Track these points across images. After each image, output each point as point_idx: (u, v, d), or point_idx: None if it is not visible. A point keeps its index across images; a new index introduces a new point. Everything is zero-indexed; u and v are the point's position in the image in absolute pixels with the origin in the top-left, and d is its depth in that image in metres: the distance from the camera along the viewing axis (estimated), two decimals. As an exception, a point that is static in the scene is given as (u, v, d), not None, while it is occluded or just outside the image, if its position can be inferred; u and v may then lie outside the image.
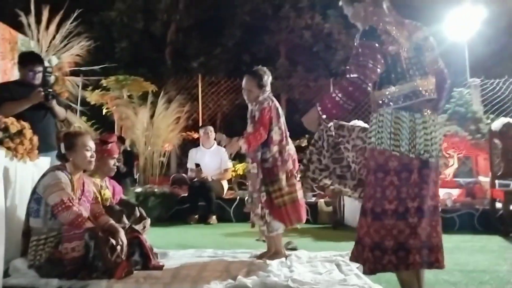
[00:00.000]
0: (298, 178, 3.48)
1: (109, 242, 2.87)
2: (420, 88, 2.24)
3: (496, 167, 5.06)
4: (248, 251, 3.66)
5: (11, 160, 3.15)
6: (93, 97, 7.13)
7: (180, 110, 7.01)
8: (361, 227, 2.28)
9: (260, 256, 3.47)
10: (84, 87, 6.74)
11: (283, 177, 3.36)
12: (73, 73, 6.07)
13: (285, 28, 10.80)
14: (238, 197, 5.78)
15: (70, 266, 2.78)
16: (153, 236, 3.35)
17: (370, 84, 2.21)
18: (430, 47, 2.36)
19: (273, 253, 3.44)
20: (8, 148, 3.14)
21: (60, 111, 4.30)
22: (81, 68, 6.08)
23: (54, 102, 4.18)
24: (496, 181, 5.05)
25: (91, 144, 3.17)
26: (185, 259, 3.45)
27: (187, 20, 11.48)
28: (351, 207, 4.97)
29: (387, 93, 2.25)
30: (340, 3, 2.46)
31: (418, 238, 2.20)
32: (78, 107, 6.31)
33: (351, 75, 2.21)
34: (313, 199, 5.95)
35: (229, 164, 5.91)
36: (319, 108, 2.24)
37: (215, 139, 5.91)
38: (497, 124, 5.18)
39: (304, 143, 7.27)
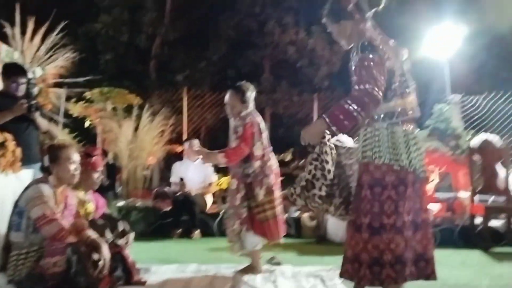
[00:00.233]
0: (280, 193, 3.53)
1: (92, 257, 2.84)
2: (409, 106, 2.31)
3: (476, 183, 5.15)
4: (232, 266, 3.65)
5: (-7, 173, 3.11)
6: (76, 109, 7.06)
7: (165, 123, 6.99)
8: (356, 244, 2.24)
9: (242, 271, 3.46)
10: (68, 99, 6.68)
11: (262, 191, 3.39)
12: (57, 85, 6.02)
13: (270, 43, 10.92)
14: (221, 212, 5.76)
15: (52, 282, 2.74)
16: (135, 250, 3.32)
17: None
18: (410, 66, 2.44)
19: (249, 268, 3.45)
20: (-10, 160, 3.09)
21: (42, 123, 4.27)
22: (65, 80, 6.03)
23: (37, 114, 4.15)
24: (476, 197, 5.15)
25: (76, 157, 3.15)
26: (168, 275, 3.43)
27: (172, 33, 11.52)
28: (335, 222, 5.00)
29: (383, 108, 2.28)
30: (324, 20, 2.47)
31: (413, 250, 2.26)
32: (61, 119, 6.24)
33: (365, 86, 2.18)
34: (297, 213, 5.97)
35: (213, 178, 5.90)
36: (327, 120, 2.23)
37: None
38: (477, 140, 5.29)
39: (288, 157, 7.33)
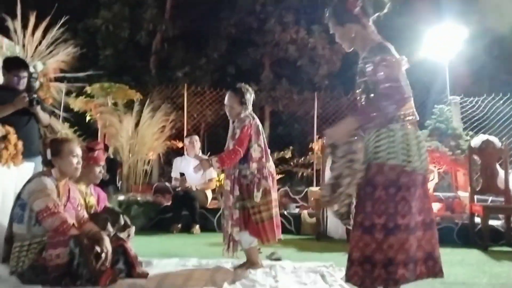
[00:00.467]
0: (276, 195, 3.59)
1: (94, 249, 2.85)
2: (413, 109, 2.34)
3: (475, 183, 5.19)
4: (232, 261, 3.67)
5: (-5, 165, 3.12)
6: (76, 104, 7.05)
7: (165, 119, 7.00)
8: (365, 245, 2.22)
9: (239, 267, 3.50)
10: (68, 93, 6.68)
11: (259, 193, 3.41)
12: (58, 79, 6.02)
13: (270, 41, 10.90)
14: (221, 207, 5.77)
15: (54, 273, 2.75)
16: (136, 244, 3.33)
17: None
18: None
19: (249, 265, 3.47)
20: (-8, 153, 3.10)
21: (44, 117, 4.28)
22: (66, 75, 6.03)
23: (38, 108, 4.16)
24: (475, 196, 5.18)
25: (78, 151, 3.16)
26: (169, 268, 3.45)
27: (173, 30, 11.49)
28: (334, 219, 5.01)
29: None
30: (328, 22, 2.45)
31: (423, 249, 2.30)
32: (61, 113, 6.24)
33: (392, 84, 2.19)
34: (297, 210, 5.99)
35: (214, 174, 5.91)
36: (358, 118, 2.23)
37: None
38: (477, 140, 5.32)
39: (288, 154, 7.33)
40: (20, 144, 3.62)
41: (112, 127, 6.72)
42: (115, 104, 7.13)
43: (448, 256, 4.28)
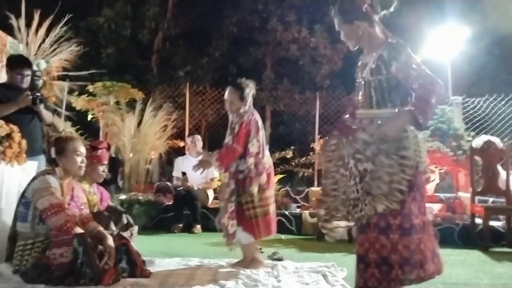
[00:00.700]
0: (273, 192, 3.60)
1: (98, 248, 2.87)
2: None
3: (476, 183, 5.20)
4: (234, 260, 3.68)
5: (-1, 164, 3.13)
6: (79, 103, 7.07)
7: (167, 118, 7.02)
8: (382, 246, 2.22)
9: (235, 264, 3.52)
10: (70, 92, 6.69)
11: (255, 189, 3.43)
12: (60, 78, 6.03)
13: (272, 40, 10.91)
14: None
15: (58, 272, 2.76)
16: (137, 244, 3.34)
17: None
18: None
19: (249, 262, 3.49)
20: (-3, 151, 3.12)
21: (47, 115, 4.29)
22: (69, 73, 6.04)
23: (41, 106, 4.17)
24: (476, 197, 5.19)
25: (82, 150, 3.17)
26: (171, 267, 3.46)
27: (175, 29, 11.51)
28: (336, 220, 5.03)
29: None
30: (336, 21, 2.42)
31: (430, 247, 2.33)
32: (63, 112, 6.25)
33: (431, 79, 2.21)
34: (298, 210, 6.01)
35: (216, 173, 5.92)
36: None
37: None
38: (478, 141, 5.33)
39: (289, 154, 7.33)
40: (24, 142, 3.63)
41: (114, 126, 6.74)
42: (117, 103, 7.14)
43: (449, 257, 4.29)
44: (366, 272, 2.24)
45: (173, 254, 4.06)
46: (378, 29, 2.39)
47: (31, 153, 3.84)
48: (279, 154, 7.11)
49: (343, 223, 2.42)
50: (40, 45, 5.57)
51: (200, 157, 5.29)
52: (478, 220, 5.03)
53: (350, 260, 2.96)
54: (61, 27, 5.74)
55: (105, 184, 4.07)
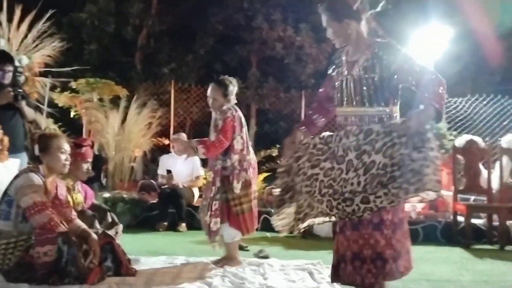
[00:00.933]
0: (256, 188, 3.65)
1: (83, 247, 2.84)
2: None
3: (459, 182, 5.28)
4: (220, 258, 3.67)
5: (-19, 161, 3.07)
6: (61, 99, 6.97)
7: (152, 115, 6.96)
8: (376, 242, 2.23)
9: (216, 262, 3.52)
10: (53, 88, 6.59)
11: (239, 184, 3.45)
12: (42, 74, 5.94)
13: (257, 39, 10.88)
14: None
15: (41, 271, 2.73)
16: (122, 242, 3.31)
17: None
18: None
19: (228, 260, 3.50)
20: (-22, 149, 3.05)
21: (29, 112, 4.23)
22: (51, 69, 5.96)
23: (23, 103, 4.11)
24: (458, 195, 5.27)
25: (66, 147, 3.13)
26: (157, 266, 3.44)
27: (159, 25, 11.40)
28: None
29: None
30: (324, 18, 2.39)
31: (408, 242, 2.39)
32: (45, 109, 6.16)
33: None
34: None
35: (201, 171, 5.90)
36: (437, 106, 2.18)
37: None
38: (461, 140, 5.41)
39: (274, 152, 7.34)
40: (6, 139, 3.57)
41: (97, 123, 6.66)
42: (100, 100, 7.05)
43: (432, 254, 4.37)
44: (363, 269, 2.24)
45: (159, 252, 4.04)
46: (365, 28, 2.40)
47: (13, 150, 3.78)
48: (265, 153, 7.11)
49: (318, 220, 2.37)
50: (22, 41, 5.48)
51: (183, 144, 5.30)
52: (460, 218, 5.11)
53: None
54: (43, 23, 5.66)
55: (89, 182, 4.02)
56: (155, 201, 5.90)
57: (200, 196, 6.05)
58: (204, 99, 8.70)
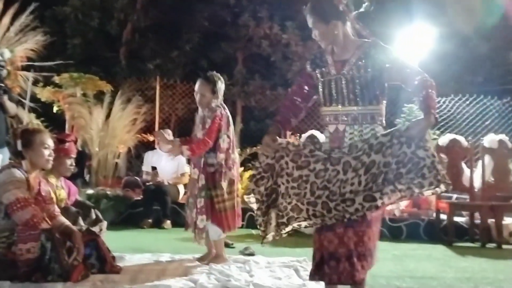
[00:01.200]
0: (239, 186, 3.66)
1: (67, 244, 2.80)
2: None
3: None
4: (204, 255, 3.65)
5: (-38, 156, 3.00)
6: (44, 94, 6.86)
7: (137, 111, 6.90)
8: (368, 239, 2.25)
9: (200, 259, 3.52)
10: (35, 83, 6.48)
11: (225, 183, 3.47)
12: (25, 68, 5.84)
13: (244, 36, 10.87)
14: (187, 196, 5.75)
15: (24, 268, 2.69)
16: (106, 239, 3.27)
17: None
18: None
19: (214, 257, 3.51)
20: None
21: (11, 106, 4.16)
22: (34, 63, 5.86)
23: (5, 97, 4.04)
24: (441, 194, 5.33)
25: (50, 142, 3.08)
26: (142, 263, 3.41)
27: (144, 21, 11.29)
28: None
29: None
30: (311, 19, 2.37)
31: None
32: (27, 103, 6.06)
33: (425, 74, 2.28)
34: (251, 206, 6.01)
35: (186, 168, 5.86)
36: (434, 112, 2.20)
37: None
38: (444, 139, 5.48)
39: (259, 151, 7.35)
40: (-13, 134, 3.50)
41: (81, 119, 6.58)
42: (84, 95, 6.96)
43: (415, 251, 4.42)
44: (339, 268, 2.24)
45: (143, 249, 4.00)
46: (350, 29, 2.41)
47: (-5, 145, 3.71)
48: (250, 150, 7.10)
49: (305, 223, 2.33)
50: (4, 34, 5.38)
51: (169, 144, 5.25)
52: (443, 216, 5.18)
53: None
54: (26, 16, 5.56)
55: (72, 178, 3.97)
56: (139, 198, 5.86)
57: (186, 193, 6.04)
58: (190, 96, 8.73)
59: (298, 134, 6.29)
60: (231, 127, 3.58)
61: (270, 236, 2.42)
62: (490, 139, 5.43)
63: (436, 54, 8.41)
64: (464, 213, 5.42)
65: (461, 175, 5.30)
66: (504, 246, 4.76)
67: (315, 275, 2.34)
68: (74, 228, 3.01)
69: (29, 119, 5.67)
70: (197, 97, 3.59)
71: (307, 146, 2.37)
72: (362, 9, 2.42)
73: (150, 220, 5.54)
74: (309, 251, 4.10)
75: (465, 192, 5.34)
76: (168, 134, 6.10)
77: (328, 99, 2.41)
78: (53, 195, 3.25)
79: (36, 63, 5.88)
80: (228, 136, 3.51)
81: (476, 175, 5.27)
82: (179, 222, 5.57)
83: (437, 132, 7.00)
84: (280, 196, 2.34)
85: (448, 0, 9.77)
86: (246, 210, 5.41)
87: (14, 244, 2.72)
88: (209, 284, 2.77)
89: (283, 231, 2.39)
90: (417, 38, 7.59)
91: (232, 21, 10.87)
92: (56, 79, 6.91)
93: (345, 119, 2.35)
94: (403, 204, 5.67)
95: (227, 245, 4.26)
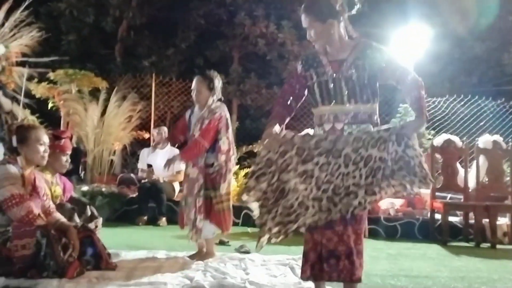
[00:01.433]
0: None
1: (62, 240, 2.78)
2: None
3: (436, 180, 5.38)
4: (195, 253, 3.64)
5: (-44, 151, 2.97)
6: (39, 90, 6.80)
7: (132, 108, 6.87)
8: (348, 237, 2.27)
9: (191, 257, 3.53)
10: (30, 79, 6.43)
11: (225, 185, 3.50)
12: (19, 64, 5.80)
13: (240, 34, 10.84)
14: (183, 194, 5.74)
15: (19, 264, 2.67)
16: (101, 236, 3.26)
17: None
18: None
19: (205, 254, 3.53)
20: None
21: (6, 102, 4.15)
22: (29, 59, 5.81)
23: (0, 93, 4.00)
24: (435, 193, 5.37)
25: (45, 139, 3.06)
26: (138, 260, 3.40)
27: (140, 18, 11.23)
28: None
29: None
30: (307, 19, 2.36)
31: None
32: (22, 99, 6.01)
33: (415, 74, 2.35)
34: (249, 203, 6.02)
35: (182, 166, 5.84)
36: (427, 115, 2.31)
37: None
38: (439, 140, 5.51)
39: (256, 148, 7.33)
40: (-18, 130, 3.47)
41: (76, 115, 6.54)
42: (79, 91, 6.92)
43: (410, 250, 4.44)
44: (339, 266, 2.25)
45: (139, 246, 3.99)
46: (343, 29, 2.41)
47: (-12, 141, 3.68)
48: (246, 148, 7.10)
49: (311, 219, 2.27)
50: (-1, 29, 5.34)
51: (167, 148, 5.24)
52: (438, 216, 5.21)
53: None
54: (21, 12, 5.52)
55: (66, 175, 3.95)
56: (134, 195, 5.83)
57: (181, 191, 6.03)
58: (186, 93, 8.71)
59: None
60: (230, 129, 3.59)
61: (265, 240, 2.40)
62: (484, 140, 5.47)
63: (431, 54, 8.45)
64: (458, 213, 5.46)
65: (455, 175, 5.33)
66: (498, 246, 4.80)
67: (310, 275, 2.32)
68: (70, 224, 2.99)
69: (24, 115, 5.63)
70: (194, 94, 3.59)
71: (314, 137, 2.34)
72: (354, 12, 2.43)
73: (145, 217, 5.53)
74: (304, 249, 4.13)
75: (460, 192, 5.38)
76: (164, 131, 6.10)
77: (327, 98, 2.40)
78: (48, 191, 3.24)
79: (31, 59, 5.83)
80: (227, 138, 3.53)
81: (471, 176, 5.31)
82: (174, 219, 5.54)
83: (432, 132, 7.03)
84: (288, 193, 2.29)
85: (443, 0, 9.82)
86: (241, 208, 5.43)
87: (9, 241, 2.71)
88: (205, 282, 2.77)
89: (291, 229, 2.32)
90: (412, 39, 7.61)
91: (228, 19, 10.84)
92: (51, 75, 6.86)
93: (344, 117, 2.36)
94: (398, 203, 5.70)
95: (222, 243, 4.26)
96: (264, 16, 10.67)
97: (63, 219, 3.06)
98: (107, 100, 6.77)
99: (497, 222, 4.97)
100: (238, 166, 5.98)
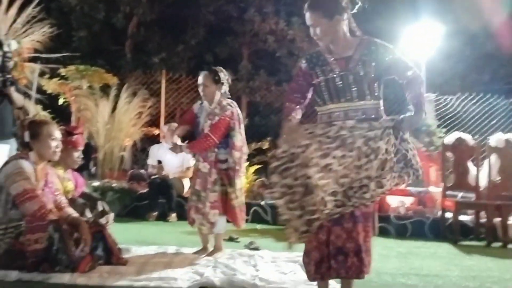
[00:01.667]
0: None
1: (74, 235, 2.81)
2: None
3: (447, 179, 5.34)
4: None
5: (-31, 147, 3.01)
6: (50, 86, 6.86)
7: (142, 105, 6.90)
8: (358, 234, 2.24)
9: (197, 253, 3.56)
10: (41, 74, 6.48)
11: (239, 181, 3.54)
12: (31, 60, 5.83)
13: (249, 31, 10.81)
14: (195, 188, 5.76)
15: (32, 258, 2.70)
16: (112, 231, 3.28)
17: None
18: None
19: (214, 250, 3.55)
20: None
21: (18, 98, 4.15)
22: (40, 55, 5.85)
23: (12, 89, 4.03)
24: (446, 192, 5.33)
25: (57, 134, 3.09)
26: (148, 256, 3.43)
27: (150, 14, 11.26)
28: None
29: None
30: (312, 16, 2.32)
31: None
32: (34, 95, 6.06)
33: (416, 70, 2.38)
34: (273, 200, 6.02)
35: (191, 162, 5.86)
36: (426, 111, 2.36)
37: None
38: (450, 138, 5.46)
39: (265, 145, 7.35)
40: (-6, 125, 3.51)
41: (87, 111, 6.58)
42: (90, 87, 6.96)
43: (420, 249, 4.42)
44: (347, 263, 2.23)
45: (149, 242, 4.01)
46: (346, 26, 2.38)
47: (2, 137, 3.72)
48: (256, 145, 7.11)
49: (324, 215, 2.19)
50: (11, 25, 5.37)
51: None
52: (448, 214, 5.17)
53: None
54: (33, 8, 5.55)
55: (77, 170, 3.98)
56: (144, 191, 5.86)
57: (191, 187, 6.05)
58: (195, 90, 8.67)
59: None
60: (242, 125, 3.61)
61: (295, 241, 2.23)
62: (497, 138, 5.41)
63: (442, 52, 8.36)
64: (469, 211, 5.41)
65: (467, 174, 5.28)
66: (509, 246, 4.75)
67: (316, 275, 2.27)
68: (82, 219, 3.02)
69: (36, 111, 5.68)
70: (200, 89, 3.61)
71: (334, 126, 2.28)
72: (355, 10, 2.41)
73: (155, 213, 5.56)
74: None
75: (471, 191, 5.32)
76: (175, 128, 6.10)
77: (335, 96, 2.38)
78: (60, 186, 3.27)
79: (42, 55, 5.87)
80: (240, 134, 3.56)
81: (482, 174, 5.25)
82: (184, 215, 5.54)
83: (443, 130, 6.97)
84: (312, 189, 2.18)
85: (455, -3, 9.73)
86: (251, 205, 5.44)
87: (22, 235, 2.74)
88: (215, 278, 2.77)
89: (314, 227, 2.19)
90: (423, 36, 7.54)
91: (238, 16, 10.82)
92: (62, 71, 6.91)
93: (354, 114, 2.33)
94: (408, 202, 5.67)
95: (232, 239, 4.28)
96: (274, 12, 10.63)
97: (75, 214, 3.09)
98: (117, 96, 6.80)
99: (509, 222, 4.92)
100: (248, 163, 5.97)
